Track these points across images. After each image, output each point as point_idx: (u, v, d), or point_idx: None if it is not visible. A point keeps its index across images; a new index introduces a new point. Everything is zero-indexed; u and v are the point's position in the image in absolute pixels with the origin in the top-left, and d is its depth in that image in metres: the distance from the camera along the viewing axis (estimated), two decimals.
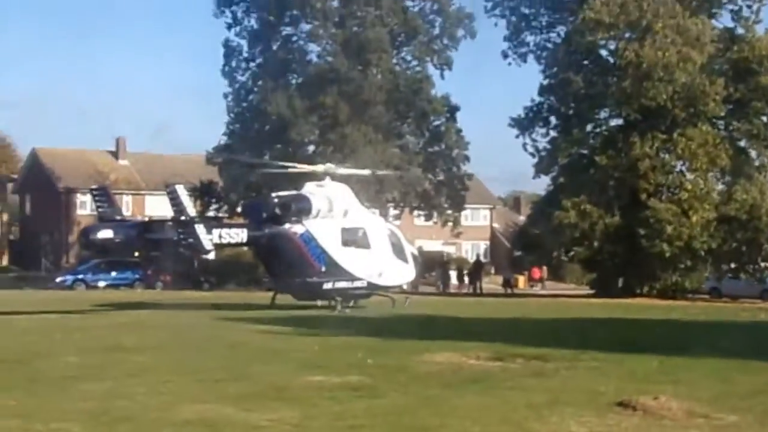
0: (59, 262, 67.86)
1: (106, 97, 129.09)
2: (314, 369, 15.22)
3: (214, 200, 56.28)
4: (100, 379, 14.06)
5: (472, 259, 71.20)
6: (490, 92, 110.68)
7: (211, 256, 39.04)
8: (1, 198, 72.56)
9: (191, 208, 26.81)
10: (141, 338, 19.79)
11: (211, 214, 54.61)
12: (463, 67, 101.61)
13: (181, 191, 26.64)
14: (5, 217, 72.52)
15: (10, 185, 77.13)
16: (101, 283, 53.24)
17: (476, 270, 61.26)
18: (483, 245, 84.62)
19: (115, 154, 77.38)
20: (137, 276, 54.55)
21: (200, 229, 26.79)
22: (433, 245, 74.37)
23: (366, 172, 37.03)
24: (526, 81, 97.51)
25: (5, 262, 71.28)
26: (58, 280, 54.67)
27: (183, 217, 26.44)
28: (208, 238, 27.23)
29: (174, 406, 11.70)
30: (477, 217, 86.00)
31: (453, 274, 63.33)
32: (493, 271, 74.29)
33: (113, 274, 54.35)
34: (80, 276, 54.80)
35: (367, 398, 12.53)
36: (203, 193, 57.20)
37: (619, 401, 11.91)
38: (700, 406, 11.87)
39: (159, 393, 12.75)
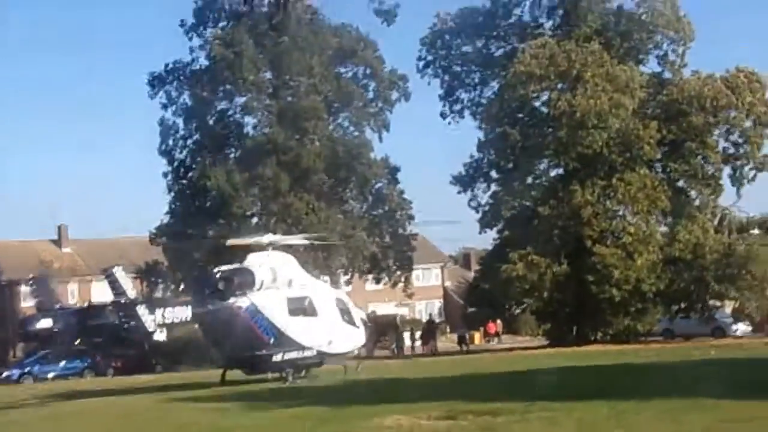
0: (6, 357, 66.29)
1: (45, 188, 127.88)
2: None
3: (160, 280, 55.50)
4: None
5: (426, 319, 70.99)
6: (431, 150, 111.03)
7: (161, 337, 38.13)
8: None
9: (131, 290, 26.26)
10: (85, 428, 19.22)
11: (158, 294, 53.78)
12: (401, 127, 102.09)
13: (120, 273, 26.11)
14: None
15: None
16: (50, 375, 51.98)
17: (429, 330, 61.01)
18: (437, 304, 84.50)
19: (58, 243, 76.40)
20: (86, 364, 53.40)
21: (142, 310, 26.24)
22: (386, 308, 74.04)
23: (306, 240, 36.71)
24: (466, 137, 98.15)
25: None
26: (3, 375, 53.26)
27: (123, 300, 25.91)
28: (151, 319, 26.66)
29: None
30: (428, 277, 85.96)
31: (408, 335, 62.91)
32: (448, 329, 74.00)
33: (61, 364, 53.11)
34: (27, 369, 53.51)
35: None
36: (149, 274, 56.53)
37: None
38: None
39: None
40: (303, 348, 29.91)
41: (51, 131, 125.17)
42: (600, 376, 22.56)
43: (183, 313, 28.35)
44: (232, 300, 29.05)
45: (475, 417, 15.93)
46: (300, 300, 30.36)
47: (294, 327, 29.71)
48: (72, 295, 67.30)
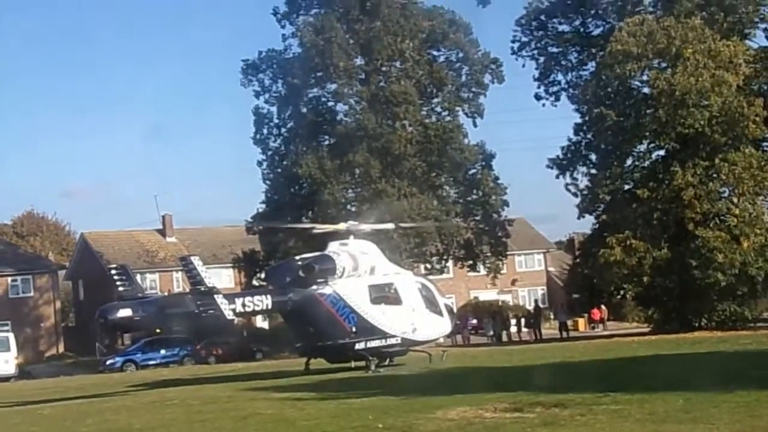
0: (114, 344, 67.69)
1: (149, 181, 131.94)
2: None
3: (257, 270, 55.66)
4: None
5: (528, 305, 69.99)
6: (526, 133, 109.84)
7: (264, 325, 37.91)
8: (53, 286, 72.81)
9: (209, 279, 26.12)
10: (153, 418, 19.10)
11: (255, 283, 54.00)
12: (496, 111, 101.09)
13: (197, 262, 26.03)
14: (58, 304, 72.79)
15: (62, 273, 77.45)
16: (151, 362, 52.87)
17: (536, 316, 60.23)
18: (540, 291, 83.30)
19: (162, 232, 77.62)
20: (187, 352, 54.17)
21: (220, 299, 26.11)
22: (488, 295, 73.46)
23: (390, 225, 36.13)
24: (563, 121, 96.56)
25: (61, 349, 71.32)
26: (108, 362, 54.41)
27: (202, 288, 25.81)
28: (230, 308, 26.55)
29: None
30: (531, 263, 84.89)
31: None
32: (552, 316, 72.95)
33: (162, 352, 54.05)
34: (130, 357, 54.55)
35: None
36: (246, 263, 56.91)
37: None
38: None
39: None
40: (386, 336, 29.47)
41: (164, 124, 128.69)
42: (686, 365, 21.45)
43: (263, 301, 28.21)
44: (314, 288, 28.79)
45: (543, 409, 15.26)
46: (383, 287, 29.91)
47: (376, 315, 29.30)
48: (177, 283, 68.44)
